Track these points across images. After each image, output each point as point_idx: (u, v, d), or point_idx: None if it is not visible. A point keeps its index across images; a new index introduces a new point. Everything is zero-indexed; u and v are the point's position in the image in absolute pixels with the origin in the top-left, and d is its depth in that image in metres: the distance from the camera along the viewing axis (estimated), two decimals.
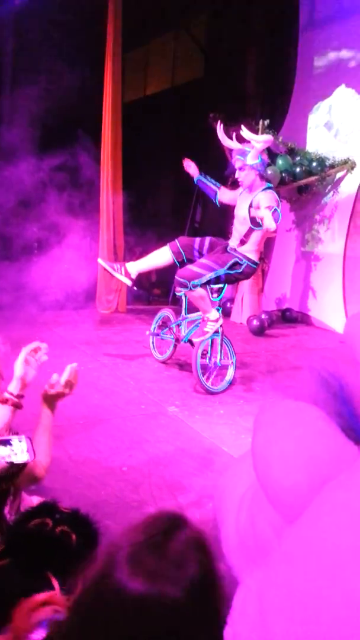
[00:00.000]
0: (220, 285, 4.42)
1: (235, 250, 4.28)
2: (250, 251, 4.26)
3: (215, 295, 4.45)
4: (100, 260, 4.68)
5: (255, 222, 4.18)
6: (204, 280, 4.11)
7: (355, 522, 0.34)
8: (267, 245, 7.49)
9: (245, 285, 7.14)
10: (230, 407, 4.03)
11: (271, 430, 0.38)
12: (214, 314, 4.32)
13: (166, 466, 3.01)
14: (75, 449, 3.10)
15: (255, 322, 6.67)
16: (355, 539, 0.34)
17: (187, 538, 0.78)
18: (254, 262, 4.29)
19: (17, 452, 1.56)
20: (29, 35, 8.06)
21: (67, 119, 7.10)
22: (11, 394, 1.83)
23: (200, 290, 4.18)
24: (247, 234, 4.26)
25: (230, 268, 4.18)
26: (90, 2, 7.29)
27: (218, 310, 4.41)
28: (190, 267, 4.17)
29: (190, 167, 4.53)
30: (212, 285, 4.37)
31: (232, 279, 4.38)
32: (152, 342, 5.15)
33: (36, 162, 6.35)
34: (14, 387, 1.84)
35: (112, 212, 7.28)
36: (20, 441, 1.60)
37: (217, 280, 4.22)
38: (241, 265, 4.22)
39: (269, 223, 3.81)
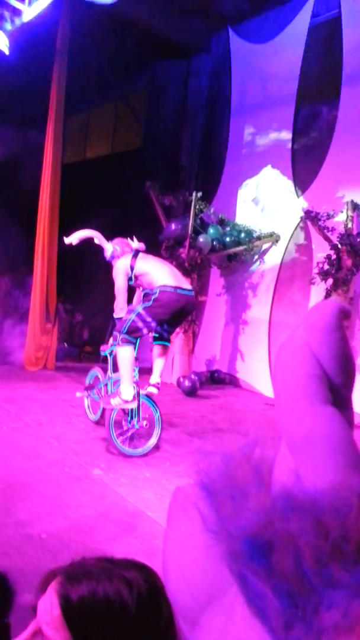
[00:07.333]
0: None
1: None
2: (149, 284, 4.22)
3: (151, 334, 4.35)
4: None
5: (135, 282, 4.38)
6: (128, 324, 4.08)
7: None
8: (198, 308, 7.74)
9: (176, 346, 7.26)
10: (156, 469, 4.00)
11: (169, 543, 0.40)
12: (128, 393, 4.07)
13: (87, 533, 2.91)
14: None
15: (187, 383, 6.75)
16: None
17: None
18: (162, 285, 4.12)
19: None
20: None
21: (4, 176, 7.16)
22: None
23: (126, 350, 4.10)
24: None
25: (144, 301, 4.17)
26: (37, 68, 7.63)
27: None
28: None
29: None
30: (158, 330, 4.30)
31: (159, 313, 4.12)
32: (86, 403, 5.02)
33: None
34: None
35: (46, 270, 7.24)
36: None
37: (145, 322, 4.09)
38: (152, 294, 4.14)
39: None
